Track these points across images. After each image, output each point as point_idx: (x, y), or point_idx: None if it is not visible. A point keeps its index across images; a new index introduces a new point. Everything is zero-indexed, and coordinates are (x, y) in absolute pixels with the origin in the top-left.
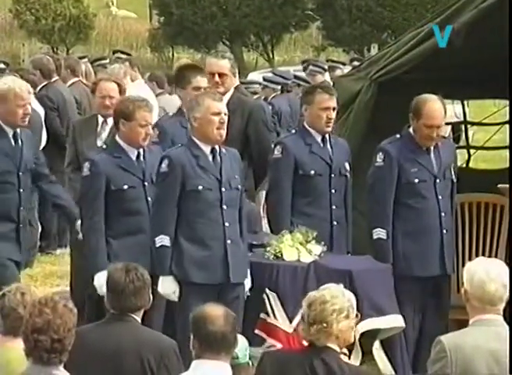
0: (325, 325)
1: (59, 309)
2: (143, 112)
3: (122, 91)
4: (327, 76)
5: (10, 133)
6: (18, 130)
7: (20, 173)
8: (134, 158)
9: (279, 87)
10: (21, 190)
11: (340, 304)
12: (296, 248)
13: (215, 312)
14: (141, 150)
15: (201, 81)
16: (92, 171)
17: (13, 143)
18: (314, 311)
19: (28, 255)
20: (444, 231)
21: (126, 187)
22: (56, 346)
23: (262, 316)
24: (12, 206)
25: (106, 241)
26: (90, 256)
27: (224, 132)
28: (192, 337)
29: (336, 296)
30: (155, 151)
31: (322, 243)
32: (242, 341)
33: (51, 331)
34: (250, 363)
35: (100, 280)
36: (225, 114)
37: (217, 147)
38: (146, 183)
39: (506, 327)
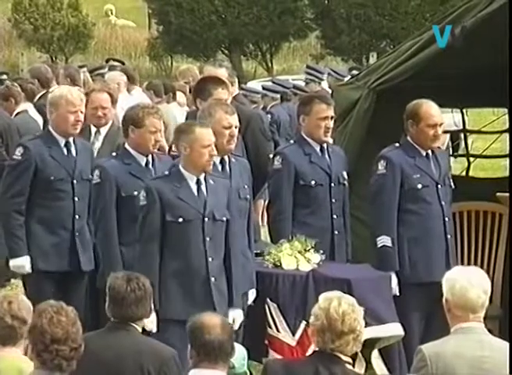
0: (357, 333)
1: (72, 317)
2: (152, 118)
3: (114, 101)
4: (325, 84)
5: (62, 142)
6: (71, 140)
7: (74, 182)
8: (143, 164)
9: (278, 95)
10: (76, 198)
11: (361, 310)
12: (295, 256)
13: (212, 321)
14: (150, 157)
15: (222, 93)
16: (102, 178)
17: (66, 152)
18: (349, 320)
19: (88, 263)
20: (448, 236)
21: (136, 193)
22: (73, 354)
23: (269, 330)
24: (65, 215)
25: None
26: (106, 266)
27: (234, 145)
28: (189, 346)
29: (354, 304)
30: (165, 160)
31: (321, 251)
32: (240, 350)
33: (70, 340)
34: (248, 373)
35: None
36: (235, 127)
37: (226, 157)
38: None
39: (488, 334)
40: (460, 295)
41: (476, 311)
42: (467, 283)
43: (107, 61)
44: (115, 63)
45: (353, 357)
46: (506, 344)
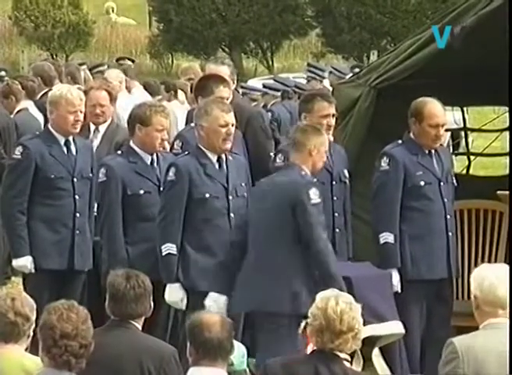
0: (356, 331)
1: (83, 315)
2: (159, 117)
3: (112, 98)
4: (327, 82)
5: (62, 140)
6: (71, 138)
7: (75, 180)
8: (149, 163)
9: (279, 94)
10: (76, 197)
11: (359, 308)
12: None
13: (212, 318)
14: (155, 156)
15: (224, 91)
16: (108, 176)
17: (65, 150)
18: (347, 319)
19: (85, 262)
20: (450, 234)
21: (142, 192)
22: (83, 352)
23: None
24: (66, 213)
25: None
26: (112, 264)
27: (230, 143)
28: (188, 344)
29: (352, 302)
30: (169, 158)
31: None
32: (239, 347)
33: (79, 337)
34: (248, 371)
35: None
36: (232, 125)
37: (223, 155)
38: (161, 189)
39: None
40: (489, 292)
41: (505, 307)
42: (496, 279)
43: (117, 60)
44: (128, 62)
45: (351, 354)
46: None
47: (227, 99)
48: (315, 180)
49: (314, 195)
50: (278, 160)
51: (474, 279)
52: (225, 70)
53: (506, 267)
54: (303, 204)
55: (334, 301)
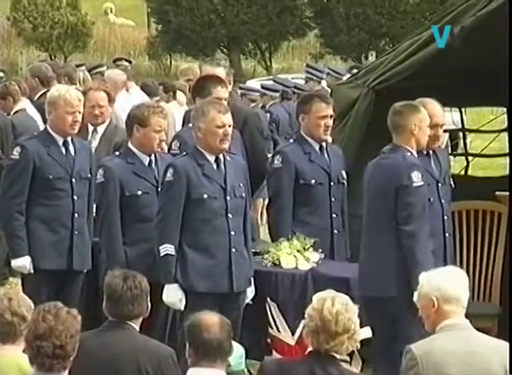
0: (352, 332)
1: (62, 316)
2: (157, 117)
3: (111, 99)
4: (324, 83)
5: (60, 141)
6: (69, 139)
7: (73, 180)
8: (147, 164)
9: (278, 94)
10: (75, 197)
11: (355, 309)
12: (294, 255)
13: (211, 319)
14: (153, 156)
15: (222, 92)
16: (106, 177)
17: (64, 151)
18: (342, 320)
19: (84, 262)
20: (447, 235)
21: (140, 192)
22: (58, 352)
23: (270, 330)
24: (64, 213)
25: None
26: (111, 265)
27: (228, 144)
28: (187, 345)
29: (348, 303)
30: (167, 159)
31: (320, 250)
32: (237, 348)
33: (53, 337)
34: (247, 372)
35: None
36: (229, 126)
37: (221, 155)
38: (159, 190)
39: (473, 330)
40: (453, 290)
41: (464, 305)
42: (454, 280)
43: (114, 61)
44: (125, 63)
45: (350, 355)
46: (493, 340)
47: (225, 100)
48: (313, 181)
49: (417, 178)
50: (276, 161)
51: (427, 283)
52: (220, 72)
53: (457, 268)
54: (406, 187)
55: (330, 302)
